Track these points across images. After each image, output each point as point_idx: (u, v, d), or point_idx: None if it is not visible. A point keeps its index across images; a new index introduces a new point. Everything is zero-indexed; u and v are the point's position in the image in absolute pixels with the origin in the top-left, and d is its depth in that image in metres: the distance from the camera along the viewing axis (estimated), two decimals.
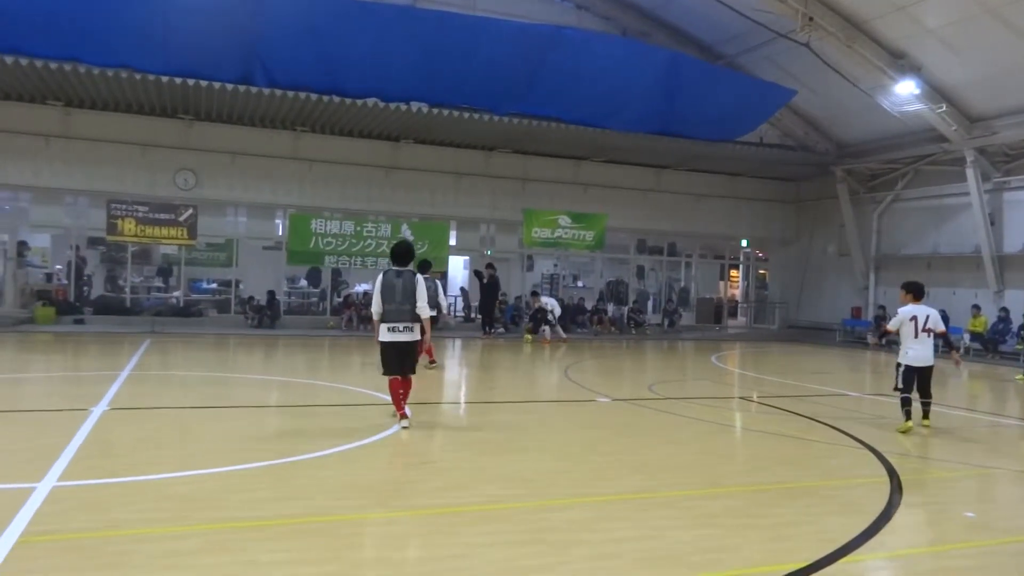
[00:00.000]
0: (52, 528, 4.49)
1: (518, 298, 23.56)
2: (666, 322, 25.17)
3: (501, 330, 21.47)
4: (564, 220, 22.52)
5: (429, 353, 12.90)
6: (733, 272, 29.54)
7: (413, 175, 21.69)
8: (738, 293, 29.58)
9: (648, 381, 13.42)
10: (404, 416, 7.96)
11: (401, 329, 7.91)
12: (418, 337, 8.10)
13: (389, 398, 8.35)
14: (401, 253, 8.12)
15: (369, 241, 20.45)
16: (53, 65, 15.44)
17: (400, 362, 8.01)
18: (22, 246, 19.70)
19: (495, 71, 18.28)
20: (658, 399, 10.89)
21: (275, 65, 17.10)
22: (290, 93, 17.11)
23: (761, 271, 29.26)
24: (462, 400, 11.26)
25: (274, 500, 5.29)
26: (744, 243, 27.62)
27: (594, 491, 5.86)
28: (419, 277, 8.14)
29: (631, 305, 25.26)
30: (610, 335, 22.98)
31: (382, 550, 4.50)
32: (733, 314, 28.40)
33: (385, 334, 7.93)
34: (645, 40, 22.36)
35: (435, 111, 18.34)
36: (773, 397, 11.65)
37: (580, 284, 27.44)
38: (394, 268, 8.05)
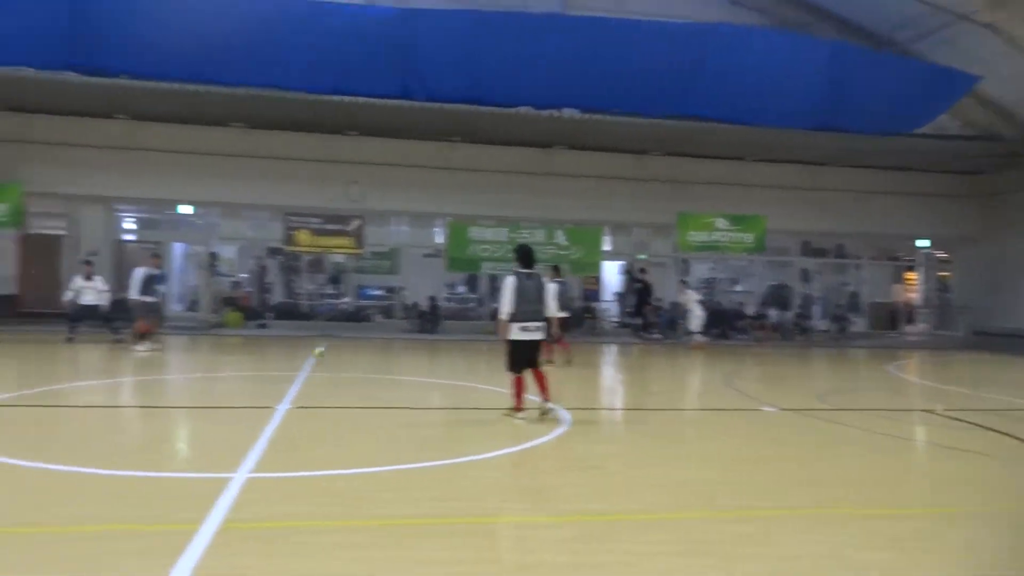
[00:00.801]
0: (247, 516, 4.91)
1: (673, 304, 23.10)
2: (835, 328, 23.75)
3: (658, 335, 21.13)
4: (721, 223, 21.81)
5: (548, 351, 13.49)
6: (909, 274, 27.39)
7: (565, 181, 21.83)
8: (916, 297, 27.38)
9: (817, 390, 12.72)
10: (521, 410, 8.35)
11: (533, 329, 8.37)
12: (544, 336, 8.60)
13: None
14: (528, 256, 8.61)
15: None
16: (236, 91, 16.98)
17: (528, 360, 8.42)
18: (213, 257, 21.75)
19: (648, 73, 18.00)
20: (829, 410, 10.30)
21: (432, 79, 17.75)
22: (446, 106, 17.78)
23: (943, 273, 26.92)
24: (621, 406, 11.18)
25: (438, 500, 5.49)
26: (923, 243, 25.53)
27: (761, 504, 5.63)
28: (546, 279, 8.77)
29: (796, 310, 24.05)
30: (773, 342, 22.01)
31: (543, 554, 4.55)
32: (911, 320, 26.32)
33: (518, 333, 8.32)
34: (806, 31, 21.26)
35: (587, 116, 18.38)
36: (959, 410, 10.69)
37: (739, 288, 26.49)
38: (523, 271, 8.46)
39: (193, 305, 21.81)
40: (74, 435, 7.61)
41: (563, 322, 14.84)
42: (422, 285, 22.48)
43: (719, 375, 14.07)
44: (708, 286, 25.39)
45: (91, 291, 15.82)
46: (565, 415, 8.72)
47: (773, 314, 23.68)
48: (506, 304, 8.31)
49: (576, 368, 13.75)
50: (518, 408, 8.37)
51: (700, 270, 26.06)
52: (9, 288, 19.44)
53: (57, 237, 20.59)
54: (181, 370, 13.39)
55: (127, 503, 5.15)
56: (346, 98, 17.43)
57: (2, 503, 5.11)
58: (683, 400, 11.96)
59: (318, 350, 13.26)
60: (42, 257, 19.86)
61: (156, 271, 15.51)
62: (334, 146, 20.76)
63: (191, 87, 16.80)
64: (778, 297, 25.11)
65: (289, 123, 19.85)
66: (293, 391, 10.17)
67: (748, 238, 22.01)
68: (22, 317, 18.72)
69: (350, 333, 20.10)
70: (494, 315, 21.97)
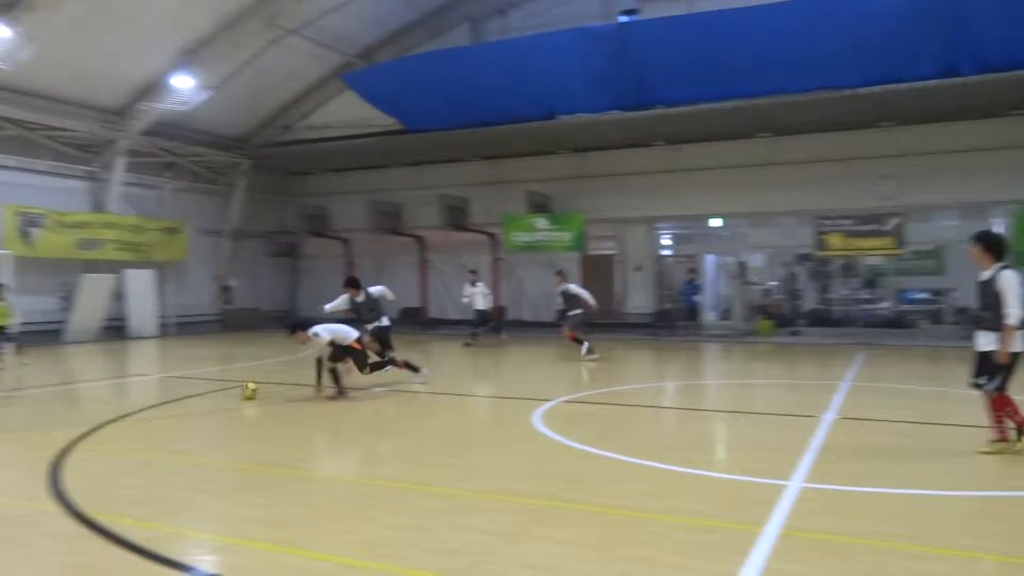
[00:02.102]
0: (806, 526, 4.90)
1: None
2: None
3: None
4: None
5: None
6: None
7: None
8: None
9: None
10: (1005, 440, 6.58)
11: None
12: None
13: None
14: (1004, 246, 6.70)
15: None
16: (761, 101, 17.28)
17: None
18: (742, 266, 22.37)
19: None
20: None
21: (983, 48, 15.50)
22: (1005, 74, 15.27)
23: None
24: None
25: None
26: None
27: None
28: None
29: None
30: None
31: None
32: None
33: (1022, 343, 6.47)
34: None
35: None
36: None
37: None
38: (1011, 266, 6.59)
39: (726, 314, 22.73)
40: (639, 431, 8.61)
41: None
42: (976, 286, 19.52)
43: None
44: None
45: (479, 296, 18.09)
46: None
47: None
48: (1019, 307, 6.35)
49: None
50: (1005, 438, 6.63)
51: None
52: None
53: (609, 256, 23.62)
54: (720, 376, 14.08)
55: (695, 499, 5.60)
56: (878, 88, 16.31)
57: (605, 488, 6.03)
58: None
59: (250, 386, 10.34)
60: (599, 275, 22.95)
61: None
62: (862, 141, 19.53)
63: (718, 105, 17.69)
64: None
65: (813, 125, 19.33)
66: (837, 400, 9.82)
67: None
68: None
69: (891, 341, 18.53)
70: None
